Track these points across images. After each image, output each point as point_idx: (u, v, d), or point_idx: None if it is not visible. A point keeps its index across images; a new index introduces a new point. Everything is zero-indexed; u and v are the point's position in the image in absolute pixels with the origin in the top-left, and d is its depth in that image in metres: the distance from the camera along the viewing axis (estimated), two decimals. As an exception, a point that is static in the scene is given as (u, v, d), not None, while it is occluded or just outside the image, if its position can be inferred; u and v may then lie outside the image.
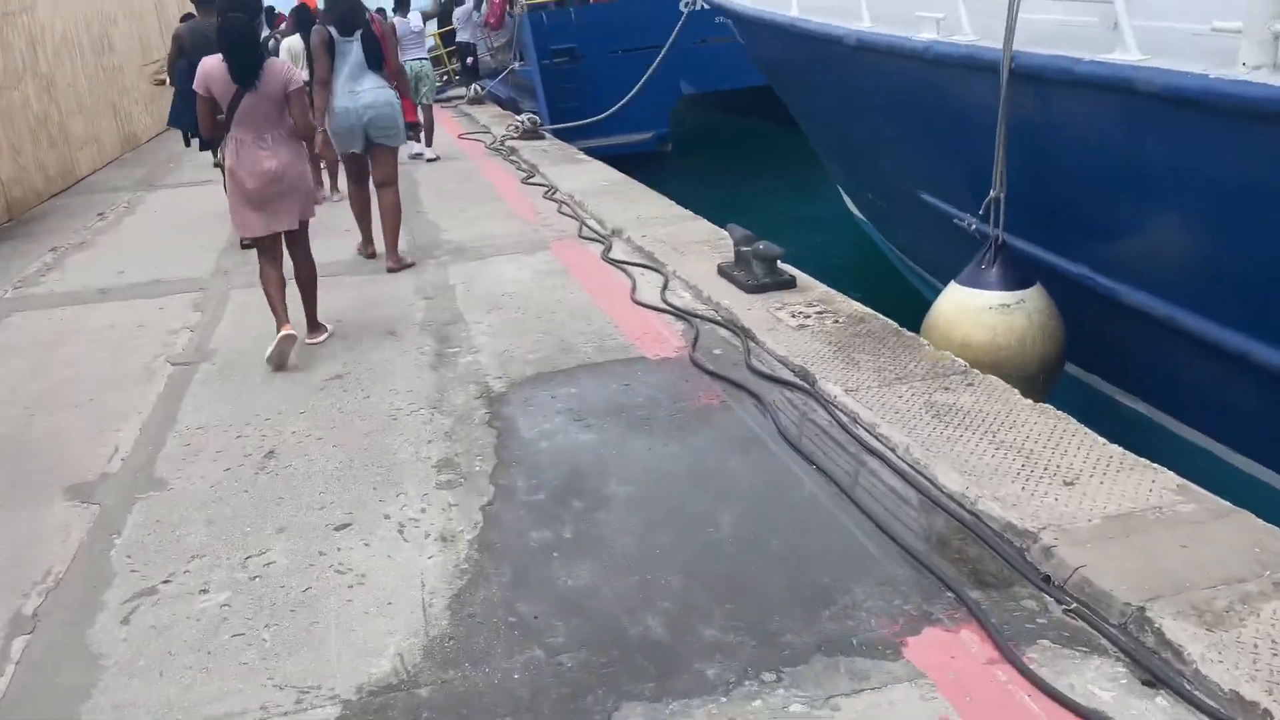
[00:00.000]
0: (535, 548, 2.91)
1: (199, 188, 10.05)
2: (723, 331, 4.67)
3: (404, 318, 5.30)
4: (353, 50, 6.14)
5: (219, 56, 4.50)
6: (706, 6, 13.02)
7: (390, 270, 6.27)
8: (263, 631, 2.58)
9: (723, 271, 5.36)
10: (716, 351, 4.42)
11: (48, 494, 3.45)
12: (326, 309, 5.29)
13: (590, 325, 4.92)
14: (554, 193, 8.50)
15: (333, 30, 6.14)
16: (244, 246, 6.56)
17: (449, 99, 17.80)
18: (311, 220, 4.90)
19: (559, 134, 13.20)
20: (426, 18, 15.41)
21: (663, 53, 13.72)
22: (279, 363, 4.59)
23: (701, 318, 4.86)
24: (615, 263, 6.06)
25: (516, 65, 18.32)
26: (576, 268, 6.09)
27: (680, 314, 4.96)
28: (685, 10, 15.69)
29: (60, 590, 2.83)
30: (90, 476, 3.56)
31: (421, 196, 8.81)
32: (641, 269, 5.87)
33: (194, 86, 4.57)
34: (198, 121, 4.80)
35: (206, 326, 5.35)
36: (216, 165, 4.90)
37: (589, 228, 7.08)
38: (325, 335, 5.00)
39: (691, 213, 7.13)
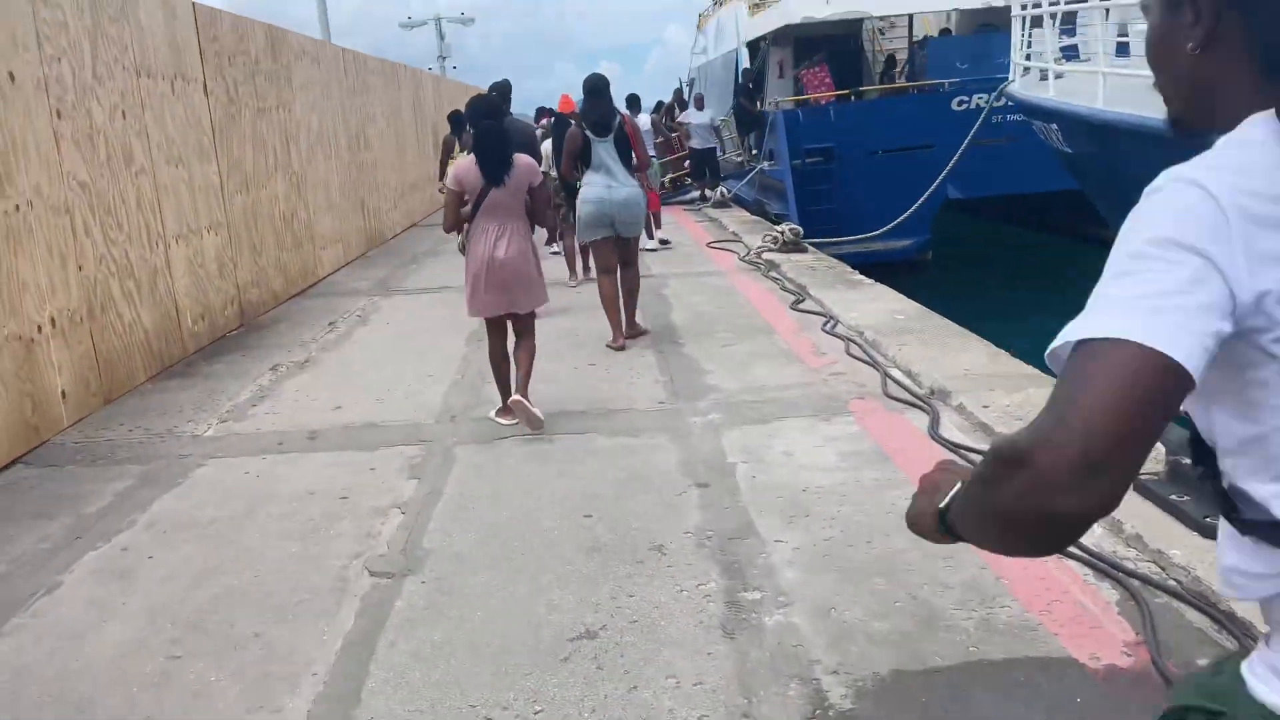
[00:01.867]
0: None
1: (436, 294, 9.32)
2: (1189, 613, 2.91)
3: (672, 517, 3.88)
4: (607, 148, 6.68)
5: (474, 158, 4.90)
6: (1009, 103, 11.40)
7: (628, 337, 6.74)
8: None
9: (1148, 491, 3.59)
10: (1201, 661, 2.67)
11: None
12: (577, 485, 4.01)
13: (955, 570, 3.28)
14: (834, 325, 6.99)
15: (589, 132, 6.71)
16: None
17: (688, 201, 16.92)
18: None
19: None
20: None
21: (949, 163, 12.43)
22: (523, 424, 4.98)
23: (1142, 579, 3.11)
24: (954, 448, 4.42)
25: (765, 165, 17.25)
26: (896, 449, 4.49)
27: (1106, 569, 3.21)
28: (959, 109, 14.23)
29: None
30: (215, 827, 2.27)
31: (675, 322, 7.53)
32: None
33: (448, 183, 5.06)
34: None
35: (422, 506, 4.14)
36: (461, 249, 5.29)
37: (895, 382, 5.49)
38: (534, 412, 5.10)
39: (1043, 373, 5.38)
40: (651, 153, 11.60)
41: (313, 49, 10.87)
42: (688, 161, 17.51)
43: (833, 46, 17.61)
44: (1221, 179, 0.89)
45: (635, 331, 6.92)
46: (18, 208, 5.00)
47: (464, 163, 4.96)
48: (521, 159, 4.95)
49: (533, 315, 5.15)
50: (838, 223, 13.96)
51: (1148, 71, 1.08)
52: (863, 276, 8.88)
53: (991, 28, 15.80)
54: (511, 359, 5.13)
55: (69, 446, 5.13)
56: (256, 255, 8.53)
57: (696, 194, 17.18)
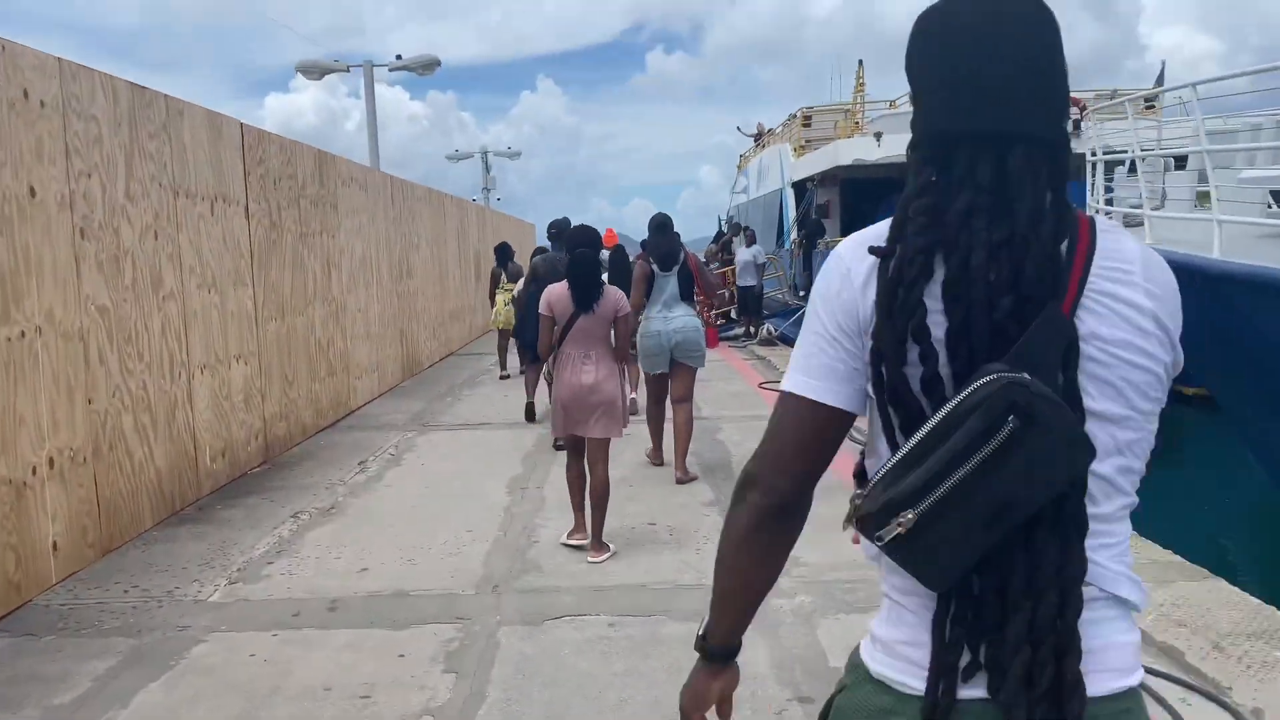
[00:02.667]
0: None
1: (474, 431, 8.70)
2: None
3: (774, 747, 3.08)
4: (670, 282, 6.80)
5: (564, 283, 5.02)
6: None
7: (679, 481, 6.50)
8: None
9: None
10: None
11: None
12: (649, 691, 3.23)
13: None
14: (919, 485, 6.23)
15: (654, 265, 6.84)
16: (556, 447, 7.22)
17: (733, 337, 16.47)
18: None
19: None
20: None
21: None
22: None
23: None
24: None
25: (813, 305, 16.80)
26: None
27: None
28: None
29: None
30: None
31: (737, 474, 6.79)
32: (1166, 684, 3.37)
33: (539, 309, 5.05)
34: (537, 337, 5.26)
35: (460, 714, 3.37)
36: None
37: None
38: (606, 556, 5.01)
39: (1187, 560, 4.58)
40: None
41: (360, 175, 10.64)
42: (733, 298, 17.15)
43: (881, 189, 17.43)
44: (855, 242, 1.25)
45: (687, 477, 6.61)
46: (23, 334, 4.46)
47: (556, 289, 5.04)
48: (611, 288, 5.08)
49: (608, 442, 5.10)
50: None
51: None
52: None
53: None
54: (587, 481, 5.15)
55: (53, 609, 4.43)
56: (288, 386, 7.98)
57: (741, 330, 16.73)
